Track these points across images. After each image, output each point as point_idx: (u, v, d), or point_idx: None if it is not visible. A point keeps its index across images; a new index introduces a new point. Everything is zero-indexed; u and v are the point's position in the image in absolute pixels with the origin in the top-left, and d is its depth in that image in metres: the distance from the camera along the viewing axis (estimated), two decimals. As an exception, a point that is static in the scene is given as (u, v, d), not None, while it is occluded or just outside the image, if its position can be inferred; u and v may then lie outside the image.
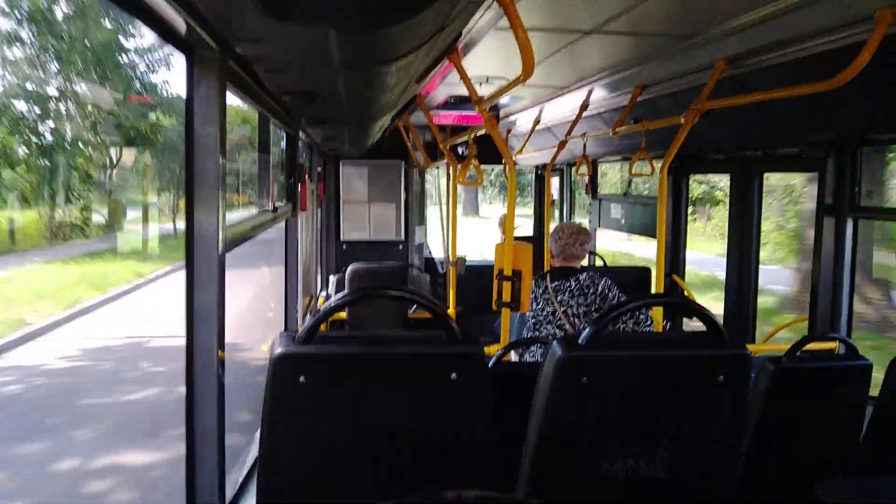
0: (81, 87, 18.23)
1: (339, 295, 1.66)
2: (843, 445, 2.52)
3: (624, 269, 6.61)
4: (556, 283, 3.84)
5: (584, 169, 6.00)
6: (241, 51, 1.65)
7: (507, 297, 3.02)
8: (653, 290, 4.98)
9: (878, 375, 2.57)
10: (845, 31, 2.22)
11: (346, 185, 7.15)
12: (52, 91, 18.03)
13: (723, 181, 18.24)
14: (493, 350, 3.15)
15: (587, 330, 1.63)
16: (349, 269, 5.59)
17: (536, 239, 7.39)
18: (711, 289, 12.44)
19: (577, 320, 3.76)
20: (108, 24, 18.80)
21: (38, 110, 17.59)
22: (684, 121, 3.20)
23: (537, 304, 3.88)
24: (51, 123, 17.94)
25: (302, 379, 1.52)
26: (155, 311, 13.06)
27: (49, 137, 17.78)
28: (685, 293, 5.35)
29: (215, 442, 1.83)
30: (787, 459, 2.46)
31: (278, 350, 1.52)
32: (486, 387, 1.61)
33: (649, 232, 5.47)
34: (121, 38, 19.37)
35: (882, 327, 10.40)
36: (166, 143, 19.87)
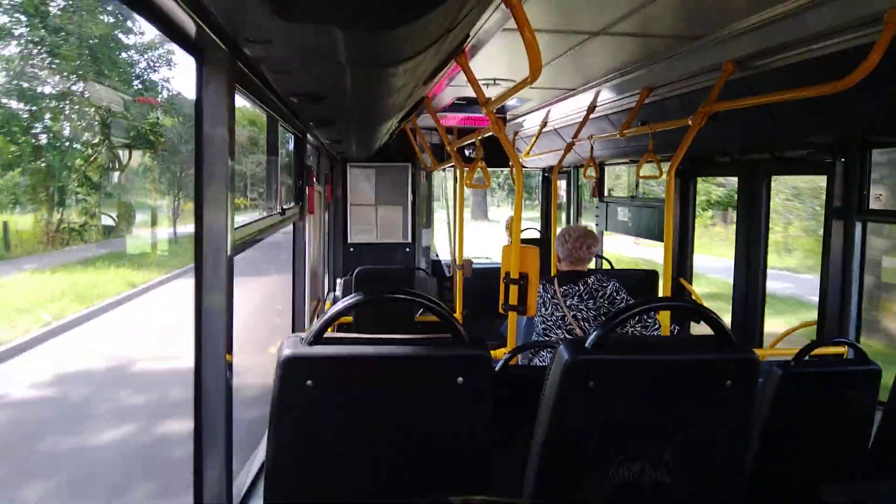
0: (77, 85, 17.55)
1: (347, 298, 1.66)
2: (851, 451, 2.50)
3: (631, 272, 6.59)
4: (565, 287, 3.82)
5: (591, 171, 5.99)
6: (249, 52, 1.66)
7: (513, 300, 3.02)
8: (660, 294, 4.97)
9: (886, 380, 2.55)
10: (854, 33, 2.21)
11: (353, 187, 7.17)
12: (44, 88, 17.30)
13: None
14: (500, 354, 3.14)
15: (593, 333, 1.62)
16: (356, 271, 5.60)
17: (543, 242, 7.38)
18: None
19: (586, 324, 3.74)
20: (105, 18, 18.09)
21: (28, 108, 16.85)
22: (692, 123, 3.19)
23: (546, 310, 3.86)
24: (45, 122, 17.24)
25: (309, 381, 1.52)
26: (144, 327, 11.93)
27: (43, 138, 17.09)
28: (693, 297, 5.33)
29: (223, 444, 1.83)
30: (794, 464, 2.44)
31: (286, 352, 1.52)
32: (492, 390, 1.60)
33: (656, 235, 5.45)
34: (119, 34, 18.66)
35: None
36: (167, 143, 19.23)
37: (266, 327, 10.40)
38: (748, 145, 4.15)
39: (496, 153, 4.28)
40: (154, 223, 19.68)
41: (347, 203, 7.15)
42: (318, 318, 1.56)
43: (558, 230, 4.23)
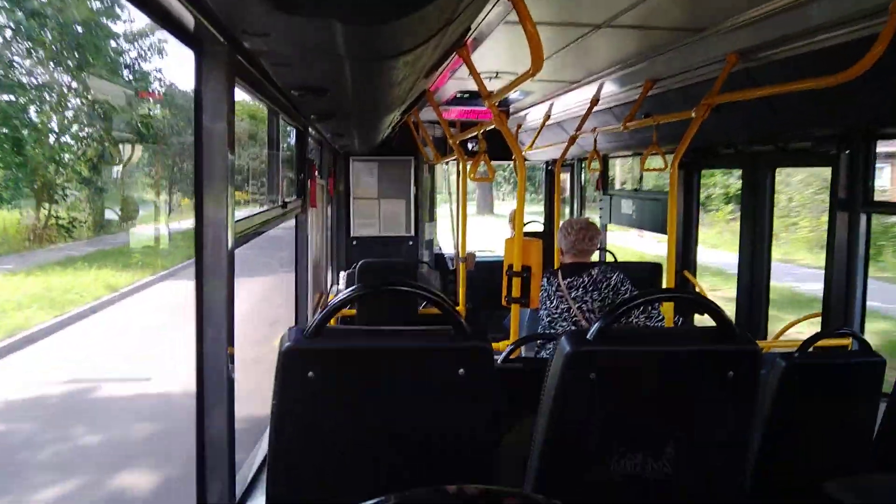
0: (60, 74, 16.31)
1: (348, 290, 1.66)
2: (854, 442, 2.50)
3: (635, 264, 6.59)
4: (569, 279, 3.82)
5: (595, 164, 5.98)
6: (248, 45, 1.65)
7: (516, 292, 3.02)
8: (664, 286, 4.96)
9: (891, 372, 2.55)
10: (858, 24, 2.20)
11: (356, 181, 7.17)
12: (23, 77, 16.01)
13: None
14: (503, 346, 3.14)
15: (595, 325, 1.62)
16: (359, 265, 5.60)
17: (547, 234, 7.38)
18: (794, 306, 9.66)
19: (591, 315, 3.74)
20: (89, 3, 16.84)
21: (7, 97, 15.51)
22: (695, 115, 3.18)
23: (551, 302, 3.87)
24: (27, 113, 16.03)
25: (310, 373, 1.52)
26: (116, 340, 10.24)
27: (24, 130, 15.79)
28: (696, 289, 5.33)
29: (224, 437, 1.83)
30: (797, 455, 2.44)
31: (287, 344, 1.52)
32: (494, 382, 1.60)
33: (660, 228, 5.45)
34: (105, 20, 17.29)
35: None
36: (160, 135, 18.30)
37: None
38: (752, 137, 4.14)
39: (499, 146, 4.27)
40: (146, 219, 18.58)
41: (350, 197, 7.16)
42: (321, 310, 1.56)
43: (561, 223, 4.23)
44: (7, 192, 15.60)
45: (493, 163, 4.55)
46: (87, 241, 16.48)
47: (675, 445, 1.66)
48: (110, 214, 18.24)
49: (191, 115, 1.78)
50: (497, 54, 3.30)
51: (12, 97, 15.82)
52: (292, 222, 4.00)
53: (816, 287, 4.07)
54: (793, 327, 4.38)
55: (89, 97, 16.82)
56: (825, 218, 3.87)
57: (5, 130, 15.38)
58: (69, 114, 16.78)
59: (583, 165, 7.44)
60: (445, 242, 8.48)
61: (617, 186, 7.73)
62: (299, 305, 4.22)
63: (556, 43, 3.12)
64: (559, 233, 3.99)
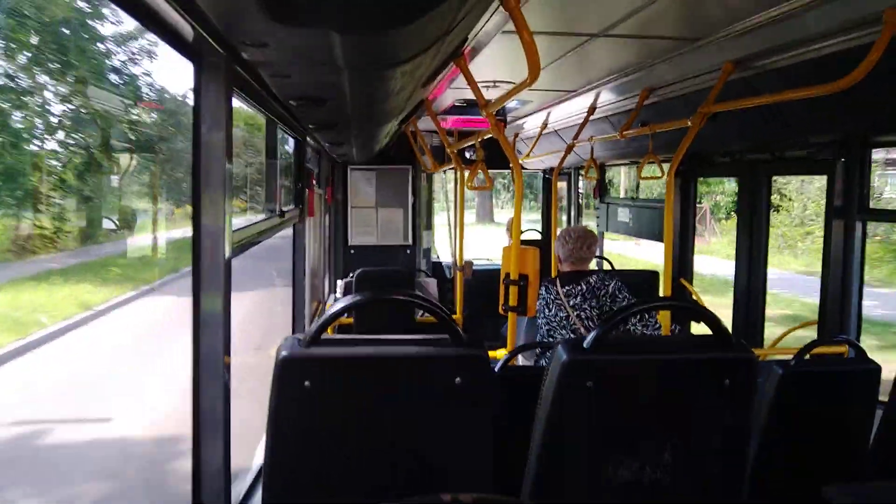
0: (42, 77, 16.66)
1: (345, 299, 1.66)
2: (851, 450, 2.50)
3: (632, 272, 6.60)
4: (567, 287, 3.82)
5: (592, 172, 6.00)
6: (247, 56, 1.66)
7: (513, 300, 3.02)
8: (660, 294, 4.97)
9: (887, 379, 2.55)
10: (853, 33, 2.21)
11: (354, 190, 7.18)
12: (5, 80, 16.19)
13: (788, 183, 16.84)
14: (500, 354, 3.14)
15: (591, 333, 1.63)
16: (356, 273, 5.60)
17: (544, 243, 7.39)
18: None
19: (590, 323, 3.74)
20: (71, 2, 17.16)
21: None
22: (692, 123, 3.19)
23: (549, 311, 3.87)
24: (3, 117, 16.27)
25: (307, 382, 1.52)
26: (79, 368, 8.16)
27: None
28: (693, 297, 5.33)
29: (221, 446, 1.83)
30: (794, 464, 2.44)
31: (283, 353, 1.52)
32: (491, 390, 1.60)
33: (657, 236, 5.45)
34: (91, 21, 17.67)
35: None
36: (148, 142, 18.72)
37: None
38: (748, 145, 4.15)
39: (497, 155, 4.29)
40: (136, 229, 18.56)
41: (348, 205, 7.17)
42: (317, 319, 1.56)
43: (558, 231, 4.24)
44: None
45: (493, 171, 4.56)
46: (71, 253, 15.67)
47: (673, 453, 1.66)
48: (97, 223, 17.71)
49: (185, 123, 1.79)
50: (494, 64, 3.32)
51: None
52: (290, 231, 4.01)
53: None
54: (788, 335, 4.38)
55: (74, 102, 16.62)
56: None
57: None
58: (51, 120, 16.55)
59: (580, 174, 7.45)
60: (443, 251, 8.49)
61: (621, 194, 7.74)
62: (297, 314, 4.22)
63: (552, 52, 3.14)
64: (557, 241, 4.00)
